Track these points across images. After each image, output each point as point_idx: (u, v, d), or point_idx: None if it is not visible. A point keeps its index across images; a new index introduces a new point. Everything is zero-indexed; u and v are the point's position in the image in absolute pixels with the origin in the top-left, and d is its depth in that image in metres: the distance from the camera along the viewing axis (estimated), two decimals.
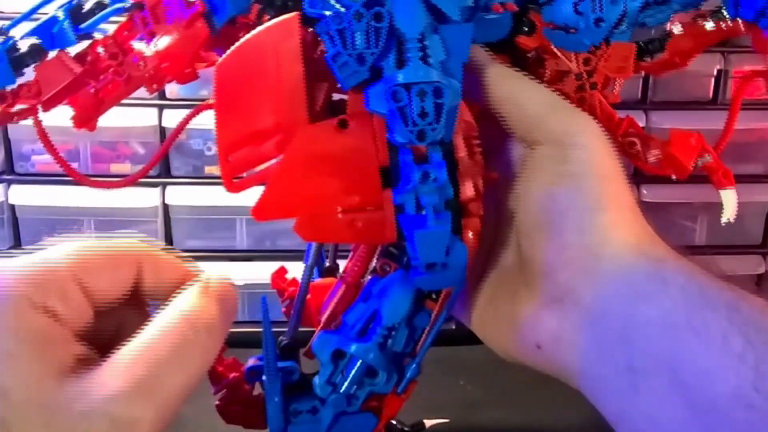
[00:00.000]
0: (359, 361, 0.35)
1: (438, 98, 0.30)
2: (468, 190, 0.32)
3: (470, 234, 0.33)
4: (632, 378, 0.29)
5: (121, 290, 0.30)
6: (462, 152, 0.32)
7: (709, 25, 0.37)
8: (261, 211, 0.32)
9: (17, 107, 0.39)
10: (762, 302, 0.29)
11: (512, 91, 0.34)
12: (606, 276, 0.31)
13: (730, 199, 0.40)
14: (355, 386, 0.35)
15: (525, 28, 0.36)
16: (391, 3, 0.31)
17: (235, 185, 0.33)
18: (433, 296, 0.35)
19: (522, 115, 0.34)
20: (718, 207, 0.40)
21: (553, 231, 0.32)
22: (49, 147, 0.42)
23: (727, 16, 0.37)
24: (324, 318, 0.38)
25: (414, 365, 0.35)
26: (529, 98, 0.34)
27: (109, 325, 0.30)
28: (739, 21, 0.36)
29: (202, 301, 0.30)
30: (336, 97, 0.35)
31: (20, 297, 0.26)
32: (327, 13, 0.31)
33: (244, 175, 0.33)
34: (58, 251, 0.29)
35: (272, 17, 0.36)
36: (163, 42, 0.37)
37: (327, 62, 0.31)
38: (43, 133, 0.41)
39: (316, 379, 0.35)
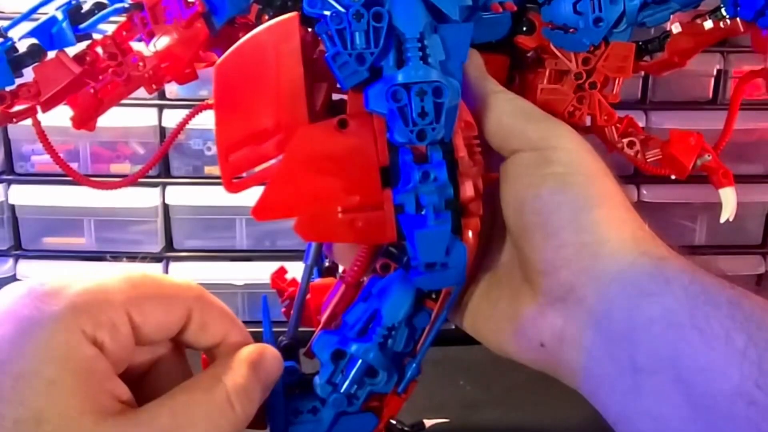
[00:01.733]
0: (359, 361, 0.35)
1: (438, 98, 0.30)
2: (468, 189, 0.32)
3: (470, 234, 0.33)
4: (636, 377, 0.29)
5: (167, 333, 0.30)
6: (462, 152, 0.32)
7: (708, 24, 0.37)
8: (261, 211, 0.32)
9: (16, 108, 0.39)
10: (763, 300, 0.29)
11: (488, 101, 0.34)
12: (608, 275, 0.31)
13: (729, 199, 0.40)
14: (355, 386, 0.35)
15: (524, 28, 0.36)
16: (390, 3, 0.31)
17: (235, 185, 0.33)
18: (433, 296, 0.35)
19: (497, 126, 0.34)
20: (717, 207, 0.40)
21: (548, 230, 0.32)
22: (48, 147, 0.42)
23: (726, 15, 0.37)
24: (324, 318, 0.38)
25: (414, 365, 0.35)
26: (503, 109, 0.34)
27: (145, 358, 0.31)
28: (738, 20, 0.36)
29: (246, 377, 0.30)
30: (336, 97, 0.35)
31: (73, 326, 0.26)
32: (326, 13, 0.31)
33: (244, 175, 0.33)
34: (115, 280, 0.28)
35: (271, 17, 0.36)
36: (162, 42, 0.37)
37: (327, 62, 0.31)
38: (42, 134, 0.41)
39: (317, 379, 0.35)
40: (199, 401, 0.28)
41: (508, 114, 0.34)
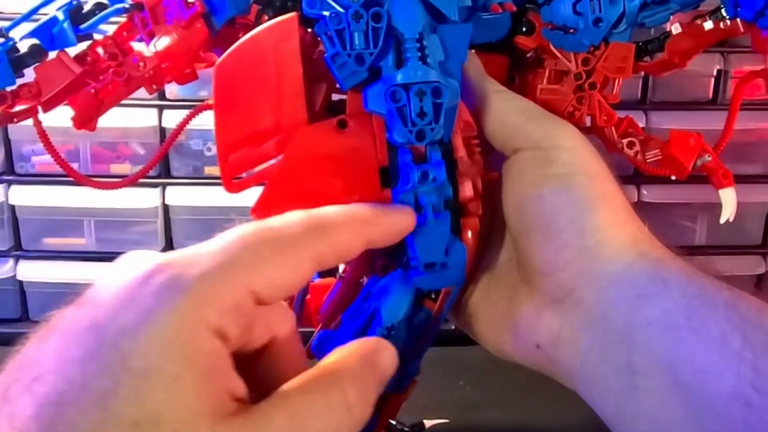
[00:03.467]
0: None
1: (437, 98, 0.30)
2: (467, 189, 0.32)
3: (469, 234, 0.33)
4: (633, 378, 0.29)
5: (292, 290, 0.27)
6: (461, 152, 0.32)
7: (708, 25, 0.37)
8: (260, 211, 0.32)
9: (18, 108, 0.39)
10: (759, 301, 0.29)
11: (489, 101, 0.34)
12: (607, 278, 0.31)
13: (729, 199, 0.40)
14: None
15: (524, 28, 0.36)
16: (389, 3, 0.31)
17: (234, 185, 0.33)
18: (433, 296, 0.35)
19: (499, 125, 0.34)
20: (717, 207, 0.40)
21: (549, 232, 0.32)
22: (50, 147, 0.42)
23: (726, 16, 0.37)
24: (323, 318, 0.38)
25: (414, 365, 0.35)
26: (505, 109, 0.34)
27: (261, 333, 0.27)
28: (738, 21, 0.36)
29: (365, 377, 0.27)
30: (336, 97, 0.35)
31: (197, 318, 0.23)
32: (325, 13, 0.31)
33: (244, 175, 0.33)
34: (234, 251, 0.25)
35: (271, 18, 0.36)
36: (162, 43, 0.37)
37: (326, 62, 0.31)
38: (43, 134, 0.41)
39: None
40: (317, 404, 0.25)
41: (510, 113, 0.34)
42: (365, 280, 0.36)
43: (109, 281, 0.25)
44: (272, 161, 0.33)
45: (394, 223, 0.30)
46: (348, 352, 0.28)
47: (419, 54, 0.31)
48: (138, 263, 0.25)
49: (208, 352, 0.23)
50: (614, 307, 0.31)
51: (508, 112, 0.34)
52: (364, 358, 0.27)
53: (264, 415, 0.24)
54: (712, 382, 0.28)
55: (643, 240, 0.32)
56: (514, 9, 0.36)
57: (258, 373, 0.27)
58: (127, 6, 0.38)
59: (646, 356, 0.29)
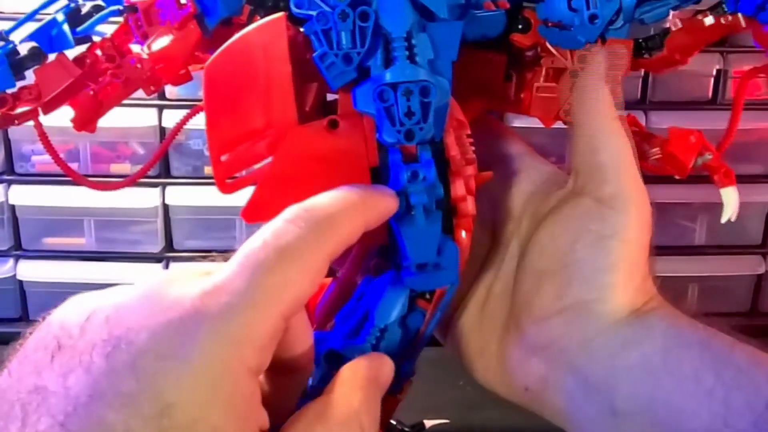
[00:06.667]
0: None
1: (425, 97, 0.30)
2: (459, 189, 0.32)
3: (463, 233, 0.33)
4: (615, 419, 0.31)
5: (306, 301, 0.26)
6: (453, 151, 0.32)
7: (709, 20, 0.37)
8: (251, 213, 0.32)
9: (18, 110, 0.39)
10: (732, 339, 0.30)
11: (594, 126, 0.34)
12: (594, 330, 0.32)
13: (731, 198, 0.39)
14: None
15: (520, 26, 0.36)
16: (377, 2, 0.30)
17: (228, 186, 0.33)
18: (427, 296, 0.35)
19: (590, 159, 0.34)
20: (718, 207, 0.40)
21: (559, 280, 0.33)
22: (50, 149, 0.42)
23: (727, 11, 0.37)
24: (317, 319, 0.38)
25: (409, 366, 0.35)
26: (605, 145, 0.33)
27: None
28: (740, 16, 0.36)
29: (374, 401, 0.27)
30: (332, 97, 0.35)
31: (240, 363, 0.23)
32: (313, 13, 0.31)
33: (239, 175, 0.33)
34: (258, 280, 0.24)
35: (263, 18, 0.36)
36: (156, 44, 0.37)
37: (314, 62, 0.31)
38: (44, 135, 0.41)
39: (310, 380, 0.35)
40: None
41: (607, 153, 0.33)
42: (359, 280, 0.36)
43: (139, 310, 0.24)
44: (266, 161, 0.33)
45: (383, 202, 0.30)
46: (357, 376, 0.28)
47: (407, 53, 0.30)
48: (174, 294, 0.24)
49: (247, 395, 0.23)
50: (597, 354, 0.32)
51: (604, 150, 0.33)
52: (371, 381, 0.28)
53: None
54: (688, 422, 0.29)
55: (642, 295, 0.33)
56: (508, 6, 0.36)
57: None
58: (121, 8, 0.38)
59: (626, 400, 0.30)
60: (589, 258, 0.32)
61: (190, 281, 0.25)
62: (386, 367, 0.29)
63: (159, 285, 0.24)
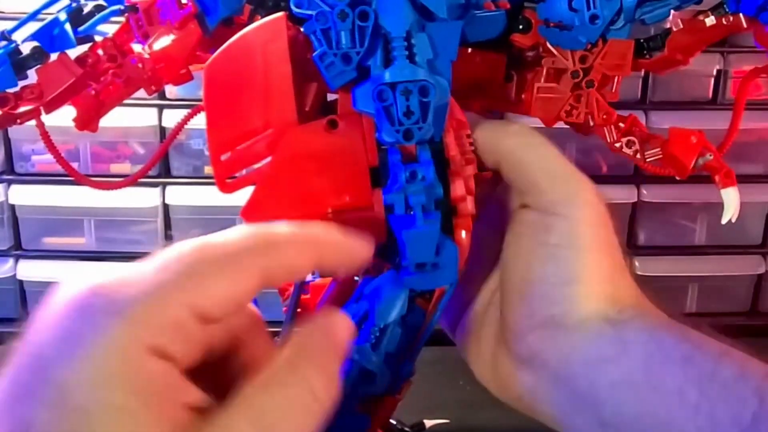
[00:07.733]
0: (352, 362, 0.34)
1: (424, 97, 0.30)
2: (458, 189, 0.32)
3: (463, 233, 0.33)
4: (605, 429, 0.31)
5: (240, 305, 0.26)
6: (453, 151, 0.32)
7: (710, 20, 0.37)
8: (250, 213, 0.32)
9: (21, 109, 0.39)
10: (716, 351, 0.30)
11: (516, 148, 0.34)
12: (568, 344, 0.32)
13: (732, 199, 0.39)
14: (348, 387, 0.35)
15: (520, 26, 0.36)
16: (376, 2, 0.30)
17: (228, 185, 0.33)
18: (427, 296, 0.35)
19: (521, 177, 0.34)
20: (718, 207, 0.40)
21: (525, 297, 0.33)
22: (52, 148, 0.42)
23: (728, 11, 0.37)
24: None
25: (408, 365, 0.35)
26: (531, 161, 0.33)
27: (222, 335, 0.26)
28: (741, 16, 0.36)
29: (325, 358, 0.26)
30: (332, 97, 0.35)
31: (131, 340, 0.22)
32: (312, 12, 0.31)
33: (239, 175, 0.33)
34: (167, 269, 0.24)
35: (264, 17, 0.36)
36: (157, 44, 0.37)
37: (314, 62, 0.31)
38: (46, 135, 0.41)
39: None
40: (280, 401, 0.24)
41: (536, 168, 0.33)
42: (359, 280, 0.36)
43: (45, 311, 0.24)
44: (266, 161, 0.33)
45: (349, 249, 0.28)
46: (305, 333, 0.27)
47: (406, 53, 0.30)
48: (72, 289, 0.24)
49: (150, 373, 0.23)
50: (577, 369, 0.32)
51: (531, 166, 0.33)
52: (322, 337, 0.27)
53: (226, 422, 0.23)
54: None
55: (615, 302, 0.32)
56: (508, 6, 0.36)
57: (232, 374, 0.26)
58: (122, 8, 0.38)
59: (612, 414, 0.31)
60: (548, 272, 0.33)
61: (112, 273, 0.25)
62: (339, 324, 0.27)
63: (82, 279, 0.25)
